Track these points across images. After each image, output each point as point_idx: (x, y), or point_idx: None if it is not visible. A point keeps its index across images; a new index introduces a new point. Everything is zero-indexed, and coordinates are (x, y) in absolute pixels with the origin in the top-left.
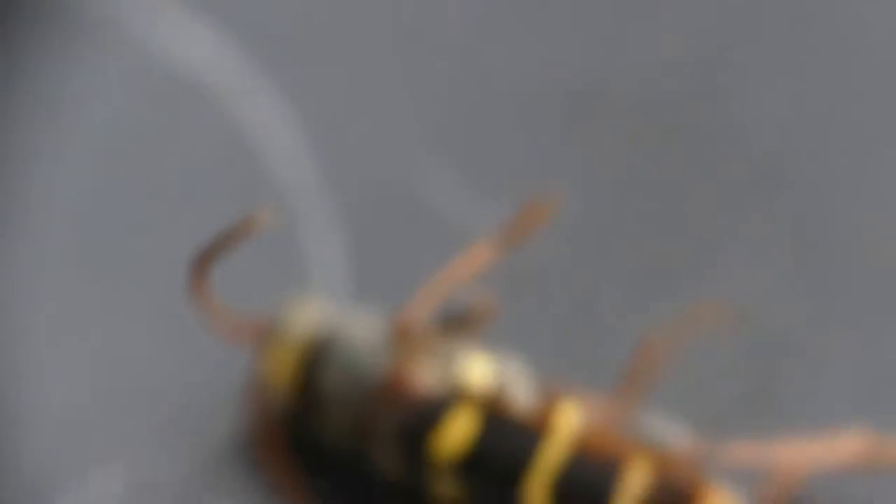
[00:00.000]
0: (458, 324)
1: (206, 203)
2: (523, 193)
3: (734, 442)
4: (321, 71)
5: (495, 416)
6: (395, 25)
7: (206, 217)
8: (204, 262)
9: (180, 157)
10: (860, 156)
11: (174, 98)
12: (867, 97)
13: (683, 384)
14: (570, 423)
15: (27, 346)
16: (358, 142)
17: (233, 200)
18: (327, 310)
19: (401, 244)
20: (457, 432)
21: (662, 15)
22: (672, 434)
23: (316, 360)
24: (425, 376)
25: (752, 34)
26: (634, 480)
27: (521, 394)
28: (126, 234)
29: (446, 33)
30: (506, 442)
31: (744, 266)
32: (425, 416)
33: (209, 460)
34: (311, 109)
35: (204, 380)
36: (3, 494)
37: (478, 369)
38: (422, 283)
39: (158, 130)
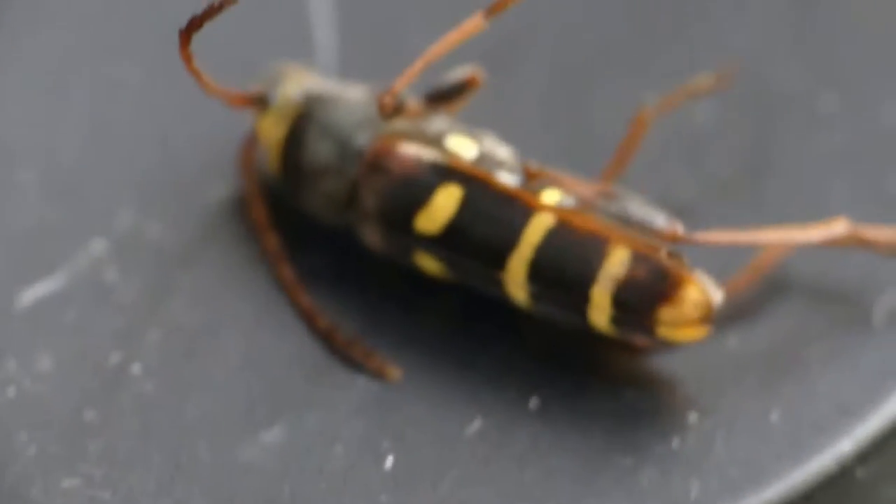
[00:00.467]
0: (444, 98)
1: None
2: None
3: (713, 227)
4: None
5: (478, 191)
6: None
7: None
8: (191, 27)
9: None
10: None
11: None
12: None
13: (680, 148)
14: (551, 200)
15: (23, 104)
16: None
17: None
18: (316, 80)
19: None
20: (440, 209)
21: None
22: (653, 218)
23: (301, 128)
24: (409, 151)
25: None
26: (614, 261)
27: (504, 170)
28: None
29: None
30: (487, 217)
31: (737, 27)
32: (409, 191)
33: (199, 222)
34: None
35: (198, 143)
36: None
37: (461, 145)
38: (411, 53)
39: None
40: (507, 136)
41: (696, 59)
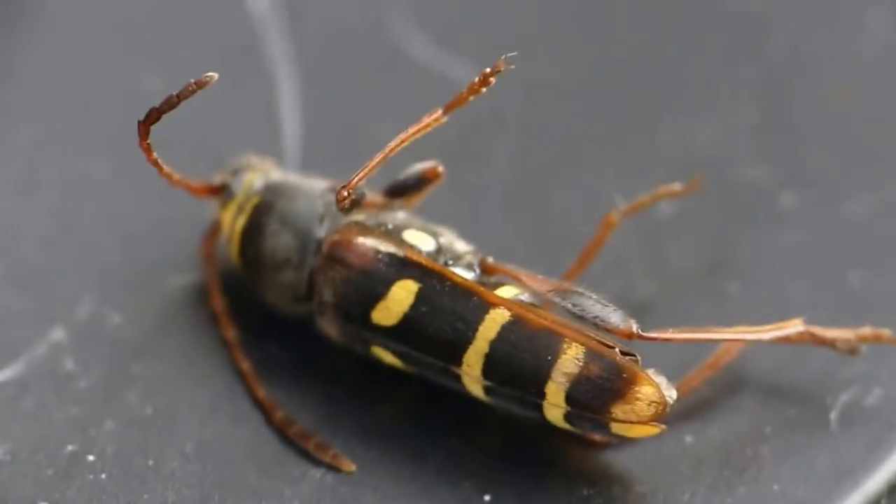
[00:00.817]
0: (403, 191)
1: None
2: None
3: (674, 323)
4: None
5: (434, 285)
6: None
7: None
8: (149, 119)
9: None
10: (828, 27)
11: None
12: None
13: (642, 243)
14: (507, 296)
15: None
16: None
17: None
18: (278, 172)
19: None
20: (397, 302)
21: None
22: (609, 315)
23: (261, 218)
24: (367, 244)
25: None
26: (568, 358)
27: (461, 265)
28: (96, 86)
29: None
30: (443, 311)
31: (703, 123)
32: (366, 284)
33: (158, 312)
34: None
35: (161, 233)
36: None
37: (419, 239)
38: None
39: None
40: (469, 231)
41: (661, 156)
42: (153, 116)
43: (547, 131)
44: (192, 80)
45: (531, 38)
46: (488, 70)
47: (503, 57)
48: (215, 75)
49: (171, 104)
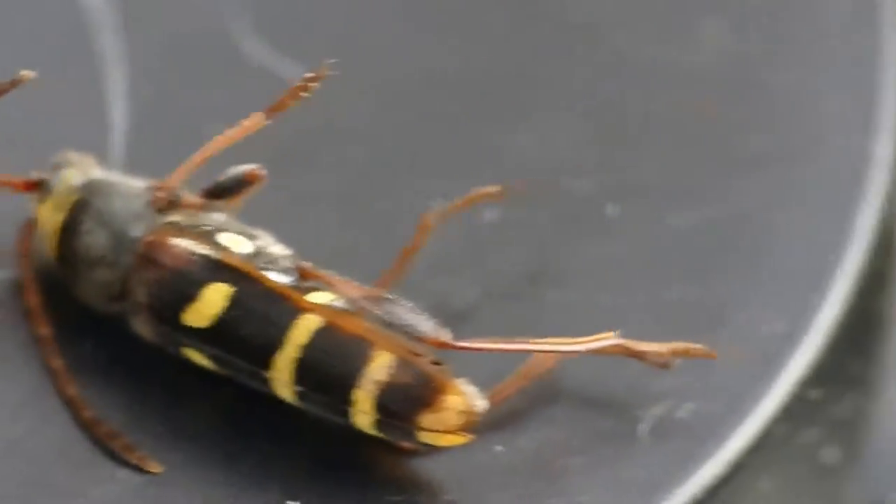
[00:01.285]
0: (222, 193)
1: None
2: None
3: (492, 332)
4: None
5: (247, 288)
6: None
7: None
8: None
9: None
10: (663, 37)
11: None
12: None
13: (465, 249)
14: (321, 301)
15: None
16: None
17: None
18: (99, 170)
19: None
20: (209, 304)
21: None
22: (420, 324)
23: (78, 216)
24: (181, 245)
25: None
26: (377, 365)
27: (276, 269)
28: None
29: None
30: (255, 315)
31: (533, 133)
32: (179, 285)
33: None
34: None
35: None
36: None
37: (235, 242)
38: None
39: None
40: (294, 235)
41: (490, 163)
42: None
43: (378, 135)
44: (9, 79)
45: (367, 42)
46: (309, 75)
47: (324, 63)
48: (31, 74)
49: None
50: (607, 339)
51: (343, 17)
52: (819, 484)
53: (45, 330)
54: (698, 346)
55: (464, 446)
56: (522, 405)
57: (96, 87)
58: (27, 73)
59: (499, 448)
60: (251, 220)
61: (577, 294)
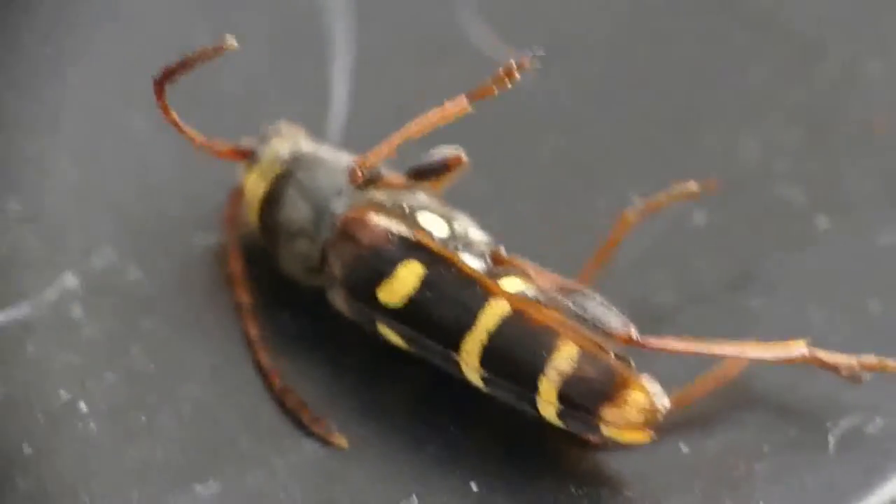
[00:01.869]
0: (424, 174)
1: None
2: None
3: (672, 335)
4: None
5: (440, 271)
6: None
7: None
8: (164, 78)
9: None
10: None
11: None
12: None
13: (668, 252)
14: (512, 289)
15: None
16: None
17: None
18: (308, 143)
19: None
20: (402, 283)
21: None
22: (609, 319)
23: (281, 187)
24: (379, 223)
25: None
26: (562, 356)
27: (471, 253)
28: (146, 41)
29: None
30: (446, 298)
31: (748, 138)
32: (374, 263)
33: (175, 270)
34: None
35: (189, 193)
36: None
37: (433, 223)
38: None
39: None
40: (494, 222)
41: (702, 168)
42: (167, 75)
43: (589, 132)
44: (210, 45)
45: (584, 38)
46: (514, 63)
47: (531, 55)
48: (234, 42)
49: (185, 65)
50: (799, 349)
51: (567, 10)
52: None
53: (245, 298)
54: (892, 361)
55: (649, 444)
56: (711, 408)
57: (323, 67)
58: (231, 42)
59: (684, 448)
60: (454, 204)
61: (780, 304)
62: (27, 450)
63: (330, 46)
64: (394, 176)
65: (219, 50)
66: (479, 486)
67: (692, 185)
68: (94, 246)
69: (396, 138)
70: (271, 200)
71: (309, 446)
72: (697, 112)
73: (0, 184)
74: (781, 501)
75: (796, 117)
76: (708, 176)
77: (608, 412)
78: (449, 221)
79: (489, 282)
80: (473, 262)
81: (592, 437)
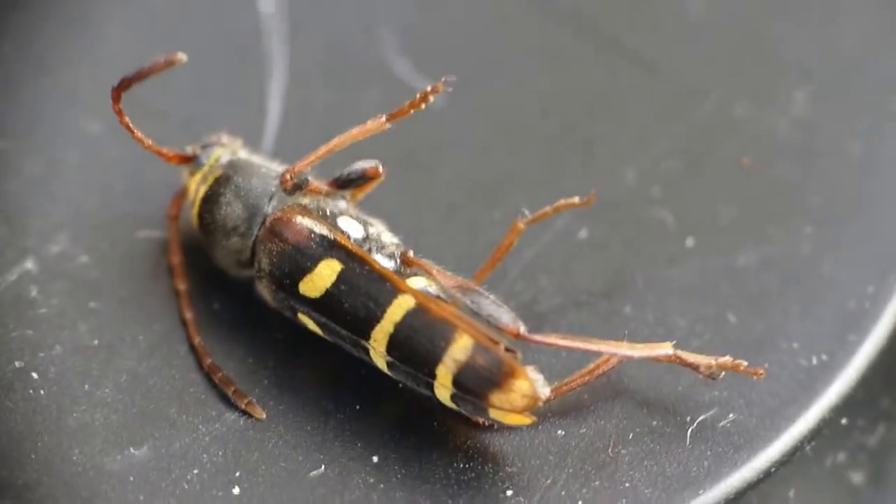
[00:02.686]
0: (345, 183)
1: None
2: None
3: (554, 333)
4: None
5: (354, 268)
6: None
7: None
8: (120, 86)
9: None
10: (756, 101)
11: None
12: None
13: (555, 260)
14: (417, 286)
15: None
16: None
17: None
18: (244, 151)
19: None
20: (321, 278)
21: None
22: (501, 315)
23: (219, 189)
24: (304, 223)
25: None
26: (458, 347)
27: (383, 254)
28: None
29: None
30: (359, 292)
31: (635, 172)
32: (297, 259)
33: (122, 259)
34: None
35: (139, 192)
36: None
37: (350, 226)
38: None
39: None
40: (404, 227)
41: (588, 189)
42: (123, 84)
43: (490, 153)
44: (162, 58)
45: (492, 70)
46: (429, 88)
47: (443, 79)
48: (184, 56)
49: (140, 75)
50: (664, 349)
51: (477, 46)
52: (844, 501)
53: (182, 286)
54: (743, 361)
55: (530, 427)
56: (585, 398)
57: (261, 86)
58: (181, 56)
59: (560, 432)
60: (370, 210)
61: (649, 311)
62: None
63: (268, 68)
64: (319, 183)
65: (170, 63)
66: (378, 457)
67: (573, 199)
68: (52, 235)
69: (322, 150)
70: (210, 201)
71: (231, 417)
72: (588, 140)
73: None
74: (641, 483)
75: (674, 151)
76: (588, 192)
77: (496, 397)
78: (365, 225)
79: (397, 279)
80: (385, 262)
81: (481, 419)
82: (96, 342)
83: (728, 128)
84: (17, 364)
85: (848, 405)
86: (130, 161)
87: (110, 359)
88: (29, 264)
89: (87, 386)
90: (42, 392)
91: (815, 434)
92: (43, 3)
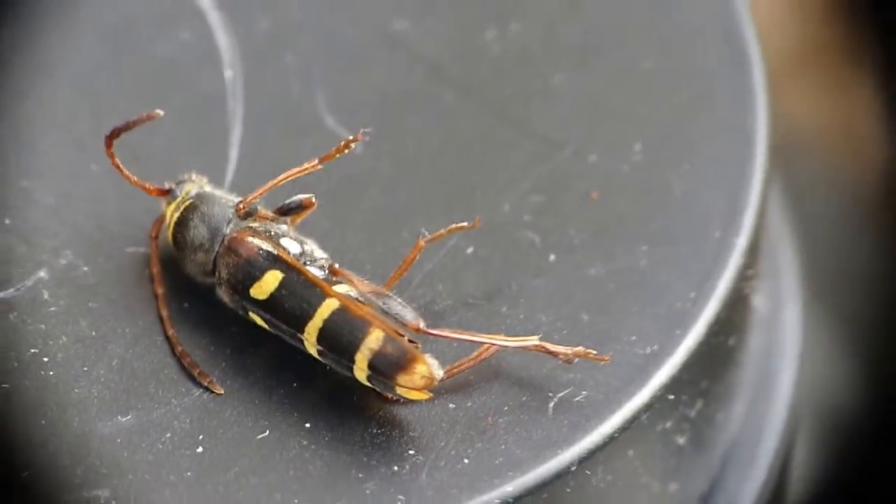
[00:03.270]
0: (286, 211)
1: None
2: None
3: (450, 327)
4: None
5: (292, 277)
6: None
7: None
8: (112, 135)
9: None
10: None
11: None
12: None
13: (446, 271)
14: (341, 291)
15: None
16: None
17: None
18: (209, 186)
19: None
20: (267, 284)
21: None
22: (406, 313)
23: (189, 216)
24: (253, 242)
25: None
26: (372, 338)
27: (314, 266)
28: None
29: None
30: (296, 295)
31: (510, 203)
32: (248, 270)
33: (115, 268)
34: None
35: (129, 216)
36: None
37: (290, 244)
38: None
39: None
40: (331, 246)
41: (475, 215)
42: (114, 133)
43: (400, 188)
44: (145, 113)
45: (401, 124)
46: (351, 137)
47: (361, 131)
48: (161, 112)
49: (127, 126)
50: (532, 340)
51: (389, 107)
52: (671, 459)
53: (160, 289)
54: (595, 352)
55: (427, 401)
56: (471, 379)
57: (223, 133)
58: (159, 112)
59: (451, 405)
60: (305, 232)
61: (520, 312)
62: (4, 386)
63: (229, 121)
64: (266, 211)
65: (150, 117)
66: (311, 424)
67: (463, 224)
68: (60, 251)
69: (269, 185)
70: (182, 224)
71: (196, 392)
72: (472, 180)
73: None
74: (514, 445)
75: (539, 188)
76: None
77: (401, 378)
78: (301, 243)
79: (326, 286)
80: (316, 272)
81: (390, 395)
82: (94, 333)
83: (582, 170)
84: (32, 351)
85: (674, 385)
86: (121, 193)
87: (104, 347)
88: (42, 273)
89: (85, 368)
90: (51, 373)
91: (649, 407)
92: (61, 76)
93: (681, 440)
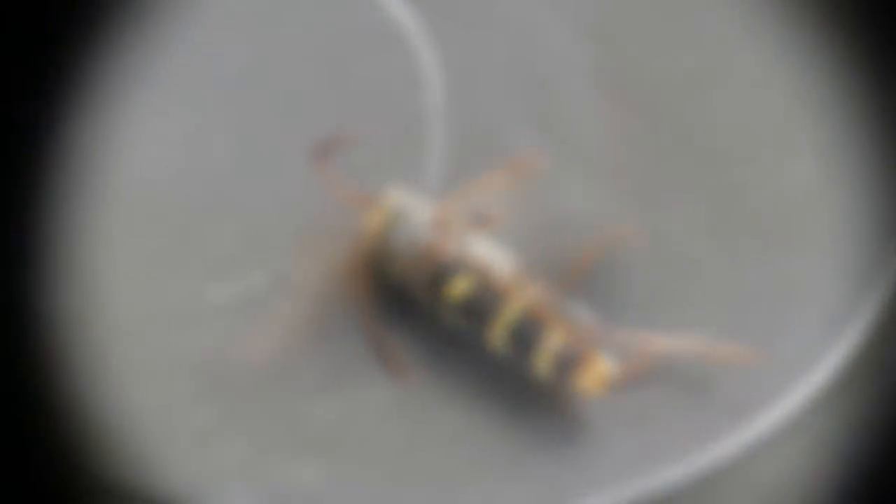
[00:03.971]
0: (479, 220)
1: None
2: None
3: (623, 328)
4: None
5: (484, 280)
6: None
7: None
8: (323, 150)
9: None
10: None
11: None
12: None
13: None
14: (526, 294)
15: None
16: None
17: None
18: (410, 195)
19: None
20: (459, 287)
21: None
22: (584, 316)
23: (392, 227)
24: (448, 249)
25: None
26: (553, 340)
27: (503, 271)
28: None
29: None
30: (487, 297)
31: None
32: (443, 274)
33: (323, 270)
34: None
35: (334, 221)
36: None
37: (481, 251)
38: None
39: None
40: (516, 249)
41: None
42: (322, 150)
43: (576, 196)
44: (352, 132)
45: None
46: (538, 156)
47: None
48: (360, 137)
49: (334, 145)
50: (697, 341)
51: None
52: (828, 456)
53: (364, 289)
54: (755, 352)
55: (599, 398)
56: (638, 373)
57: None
58: (367, 131)
59: (620, 398)
60: (494, 238)
61: (685, 314)
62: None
63: (427, 146)
64: (459, 218)
65: (353, 140)
66: (498, 413)
67: (629, 232)
68: (275, 254)
69: (464, 194)
70: (383, 231)
71: (394, 382)
72: (644, 188)
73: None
74: (678, 437)
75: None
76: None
77: (581, 376)
78: (490, 249)
79: (512, 288)
80: (504, 274)
81: (569, 391)
82: (303, 329)
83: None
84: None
85: (832, 386)
86: (333, 203)
87: (319, 338)
88: (259, 274)
89: (301, 358)
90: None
91: (807, 406)
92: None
93: (837, 438)
